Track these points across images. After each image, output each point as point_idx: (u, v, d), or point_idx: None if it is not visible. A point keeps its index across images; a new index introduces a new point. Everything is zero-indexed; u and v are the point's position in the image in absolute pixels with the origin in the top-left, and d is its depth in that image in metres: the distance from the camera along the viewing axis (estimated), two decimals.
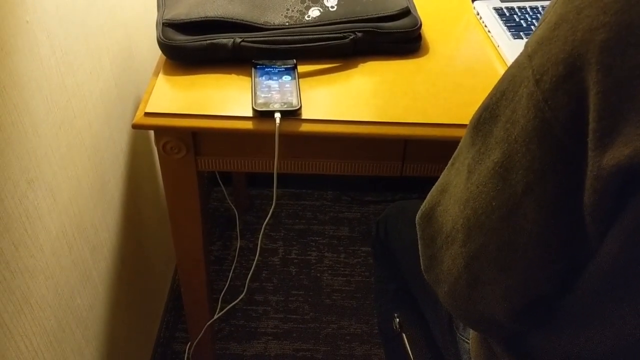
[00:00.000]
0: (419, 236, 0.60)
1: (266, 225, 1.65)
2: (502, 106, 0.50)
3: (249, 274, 1.54)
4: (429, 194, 0.59)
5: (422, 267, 0.61)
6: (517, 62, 0.49)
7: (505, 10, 0.97)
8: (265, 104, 0.79)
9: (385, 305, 1.03)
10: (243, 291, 1.50)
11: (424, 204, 0.60)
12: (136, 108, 1.05)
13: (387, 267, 1.05)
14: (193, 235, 0.92)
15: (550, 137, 0.45)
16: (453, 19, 0.99)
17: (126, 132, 1.02)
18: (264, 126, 0.78)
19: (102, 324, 0.97)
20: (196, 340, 1.11)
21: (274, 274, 1.56)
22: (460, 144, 0.56)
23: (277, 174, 0.82)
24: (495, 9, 0.97)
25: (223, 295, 1.44)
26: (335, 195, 1.77)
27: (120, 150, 1.00)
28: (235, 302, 1.08)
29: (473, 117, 0.54)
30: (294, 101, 0.79)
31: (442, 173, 0.58)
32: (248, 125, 0.78)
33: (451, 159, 0.57)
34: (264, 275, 1.56)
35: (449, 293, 0.58)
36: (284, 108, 0.78)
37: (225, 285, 1.47)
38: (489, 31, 0.94)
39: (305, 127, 0.78)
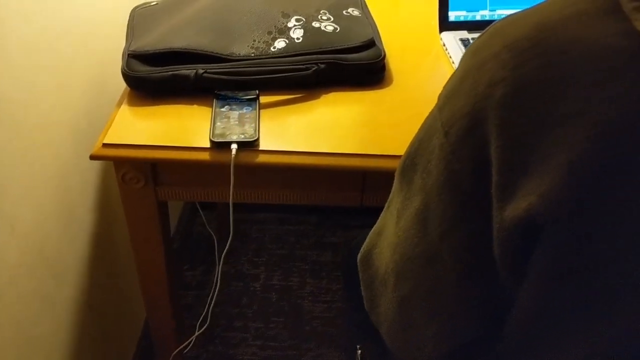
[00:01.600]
0: (360, 278, 0.61)
1: (238, 252, 1.65)
2: (419, 155, 0.51)
3: (229, 299, 1.54)
4: (368, 236, 0.60)
5: (366, 308, 0.62)
6: (431, 113, 0.50)
7: (471, 42, 0.97)
8: (222, 134, 0.79)
9: (348, 334, 1.02)
10: (223, 316, 1.49)
11: (363, 246, 0.60)
12: None
13: (353, 298, 1.05)
14: (156, 264, 0.92)
15: (459, 188, 0.46)
16: (420, 50, 1.00)
17: (97, 162, 1.03)
18: (221, 157, 0.78)
19: (65, 353, 0.97)
20: None
21: (255, 300, 1.55)
22: (393, 187, 0.57)
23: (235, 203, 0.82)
24: (462, 40, 0.98)
25: (201, 322, 1.43)
26: (319, 220, 1.77)
27: (90, 180, 1.01)
28: (198, 332, 1.07)
29: (399, 163, 0.55)
30: (252, 132, 0.80)
31: (380, 215, 0.59)
32: (205, 156, 0.78)
33: (387, 202, 0.58)
34: (244, 301, 1.55)
35: (387, 334, 0.58)
36: (241, 139, 0.79)
37: (203, 312, 1.46)
38: (453, 63, 0.94)
39: (262, 158, 0.79)
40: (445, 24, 1.00)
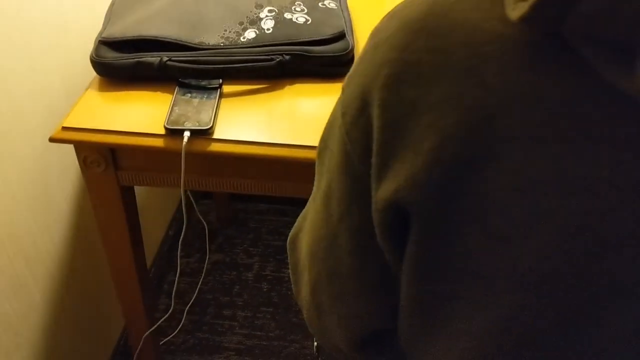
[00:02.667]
0: (289, 262, 0.61)
1: (234, 241, 1.66)
2: (328, 138, 0.50)
3: (221, 288, 1.56)
4: (297, 220, 0.60)
5: (294, 292, 0.62)
6: (338, 97, 0.50)
7: None
8: (176, 121, 0.80)
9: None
10: (212, 304, 1.51)
11: (292, 229, 0.60)
12: None
13: None
14: (122, 249, 0.93)
15: (352, 169, 0.45)
16: None
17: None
18: (174, 144, 0.79)
19: (38, 331, 1.00)
20: (136, 352, 1.12)
21: (246, 290, 1.56)
22: None
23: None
24: None
25: (189, 307, 1.46)
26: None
27: (71, 165, 1.03)
28: (165, 316, 1.08)
29: (318, 146, 0.54)
30: (207, 120, 0.81)
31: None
32: (159, 142, 0.80)
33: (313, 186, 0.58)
34: (235, 290, 1.56)
35: (307, 319, 0.58)
36: (195, 127, 0.79)
37: (192, 298, 1.48)
38: None
39: (215, 147, 0.79)
40: None
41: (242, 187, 0.85)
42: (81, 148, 0.82)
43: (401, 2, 0.46)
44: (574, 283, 0.37)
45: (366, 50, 0.45)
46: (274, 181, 0.85)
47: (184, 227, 0.87)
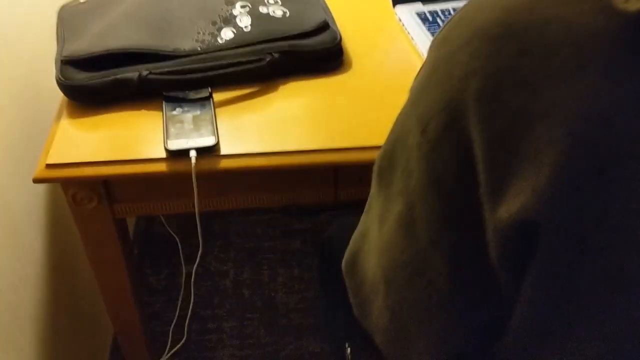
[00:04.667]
0: (347, 285, 0.57)
1: (203, 250, 1.59)
2: (397, 155, 0.47)
3: (199, 301, 1.48)
4: (352, 239, 0.56)
5: (356, 316, 0.58)
6: (404, 109, 0.46)
7: (428, 15, 0.93)
8: (178, 142, 0.73)
9: (335, 334, 0.99)
10: (194, 320, 1.44)
11: (347, 250, 0.56)
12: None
13: (336, 293, 1.01)
14: (119, 284, 0.85)
15: (445, 189, 0.42)
16: (375, 28, 0.95)
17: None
18: (180, 167, 0.72)
19: None
20: None
21: (226, 299, 1.50)
22: (371, 189, 0.53)
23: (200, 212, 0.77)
24: (417, 14, 0.93)
25: (174, 327, 1.38)
26: (284, 208, 1.72)
27: (36, 198, 0.93)
28: (177, 347, 1.02)
29: (375, 164, 0.51)
30: (211, 136, 0.74)
31: (361, 217, 0.55)
32: (162, 167, 0.72)
33: (367, 204, 0.54)
34: (216, 301, 1.49)
35: (383, 343, 0.55)
36: (200, 145, 0.72)
37: (174, 316, 1.40)
38: (412, 39, 0.90)
39: (225, 164, 0.73)
40: None
41: (257, 201, 0.79)
42: (70, 185, 0.73)
43: (462, 8, 0.42)
44: None
45: (436, 61, 0.41)
46: (291, 191, 0.79)
47: (199, 251, 0.80)
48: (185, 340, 1.37)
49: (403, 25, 0.93)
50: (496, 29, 0.37)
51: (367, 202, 0.54)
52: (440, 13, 0.93)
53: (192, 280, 1.22)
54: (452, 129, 0.40)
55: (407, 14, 0.93)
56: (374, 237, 0.51)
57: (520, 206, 0.37)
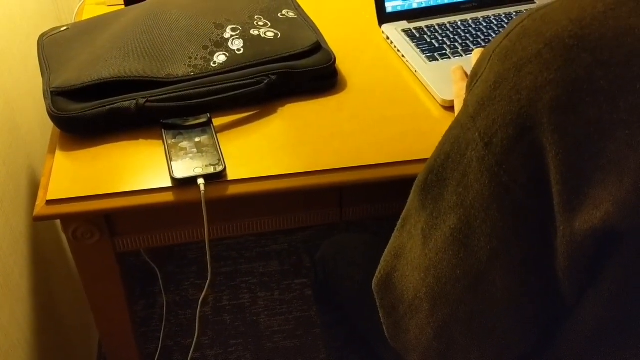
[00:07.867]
0: (378, 304, 0.56)
1: (178, 278, 1.55)
2: (449, 169, 0.46)
3: (179, 331, 1.44)
4: (382, 258, 0.55)
5: (386, 335, 0.57)
6: (459, 122, 0.46)
7: (414, 32, 0.94)
8: (184, 169, 0.71)
9: (337, 352, 0.98)
10: (176, 351, 1.39)
11: (378, 269, 0.56)
12: (31, 186, 0.93)
13: (333, 311, 1.00)
14: (121, 325, 0.81)
15: (511, 201, 0.42)
16: (364, 47, 0.95)
17: (24, 213, 0.90)
18: (187, 195, 0.70)
19: None
20: None
21: (208, 326, 1.46)
22: (408, 205, 0.53)
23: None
24: (404, 31, 0.95)
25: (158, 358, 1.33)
26: None
27: (20, 235, 0.88)
28: None
29: (419, 179, 0.51)
30: (217, 162, 0.72)
31: (393, 235, 0.54)
32: (169, 197, 0.70)
33: (400, 221, 0.54)
34: (197, 329, 1.45)
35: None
36: (207, 172, 0.71)
37: (157, 348, 1.36)
38: (403, 56, 0.91)
39: (233, 190, 0.71)
40: (384, 16, 0.97)
41: (264, 226, 0.77)
42: (71, 221, 0.70)
43: (523, 22, 0.43)
44: None
45: (500, 74, 0.42)
46: (297, 213, 0.78)
47: (207, 282, 0.77)
48: None
49: (392, 43, 0.94)
50: (568, 40, 0.38)
51: (401, 218, 0.54)
52: (426, 29, 0.95)
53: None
54: (521, 140, 0.40)
55: (394, 32, 0.94)
56: (416, 254, 0.51)
57: (602, 215, 0.38)
